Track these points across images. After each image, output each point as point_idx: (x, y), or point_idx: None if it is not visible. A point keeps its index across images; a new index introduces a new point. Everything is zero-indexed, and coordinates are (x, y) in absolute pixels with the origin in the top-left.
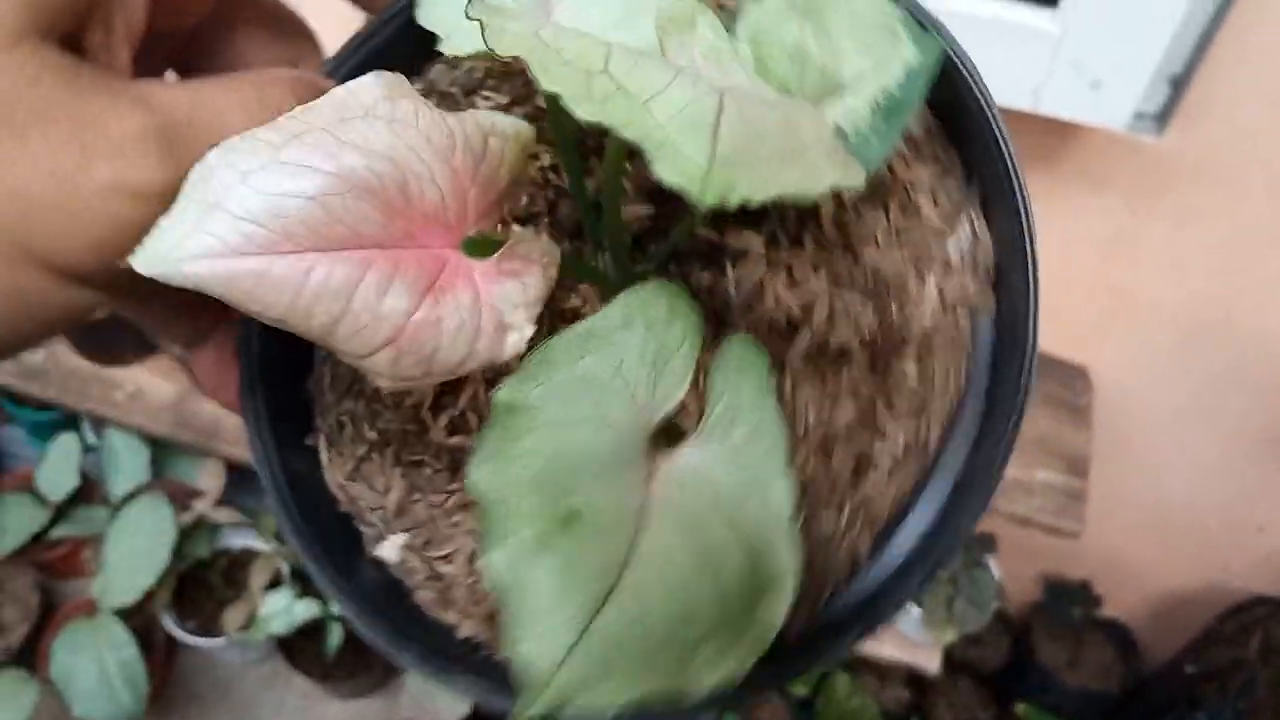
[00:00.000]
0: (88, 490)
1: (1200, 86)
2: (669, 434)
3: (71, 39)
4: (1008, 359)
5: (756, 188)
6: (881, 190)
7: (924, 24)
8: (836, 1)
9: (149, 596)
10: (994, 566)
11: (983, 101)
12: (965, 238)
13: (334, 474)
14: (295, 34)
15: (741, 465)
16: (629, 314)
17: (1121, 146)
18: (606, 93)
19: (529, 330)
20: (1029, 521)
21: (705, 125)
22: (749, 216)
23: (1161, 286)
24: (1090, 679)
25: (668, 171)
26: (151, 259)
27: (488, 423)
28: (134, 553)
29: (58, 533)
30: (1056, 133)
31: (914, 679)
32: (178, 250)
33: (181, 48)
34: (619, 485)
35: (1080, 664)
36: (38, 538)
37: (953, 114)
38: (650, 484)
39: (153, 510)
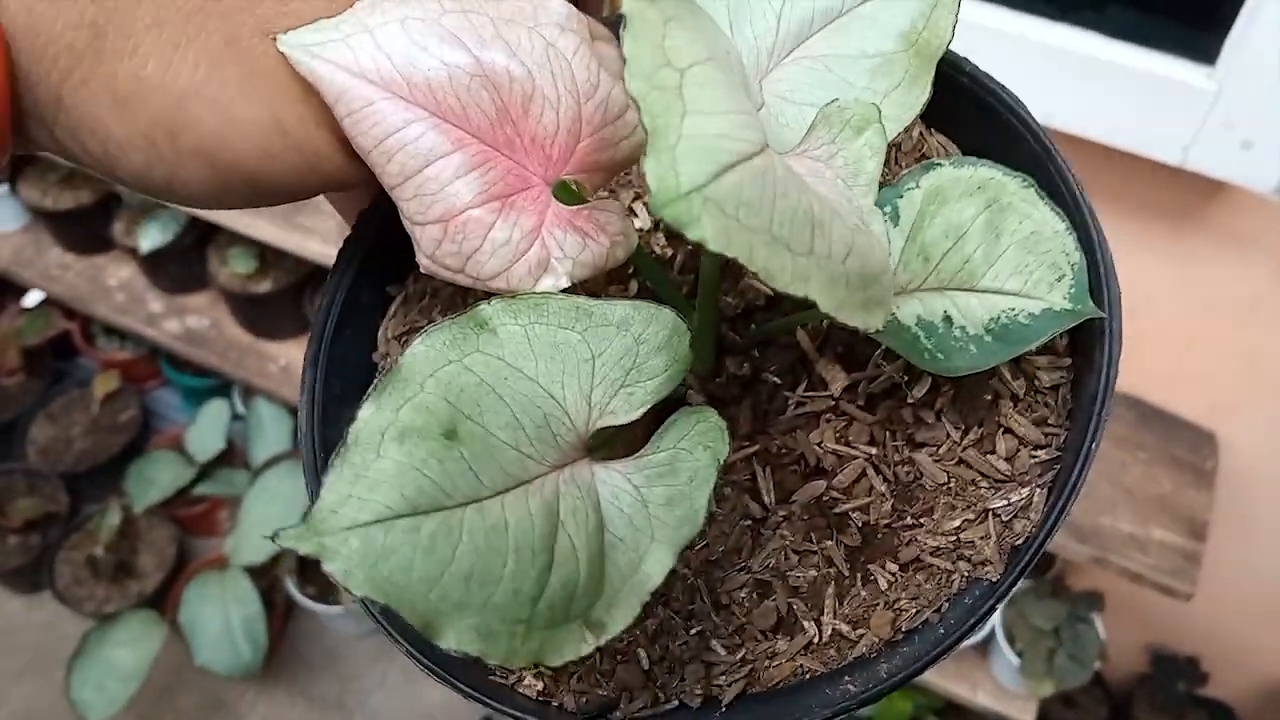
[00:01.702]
0: (231, 454)
1: None
2: (601, 444)
3: None
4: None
5: (719, 238)
6: (974, 409)
7: (1099, 285)
8: (1026, 216)
9: (276, 559)
10: (1100, 625)
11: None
12: (1017, 502)
13: (388, 328)
14: None
15: (640, 516)
16: (628, 320)
17: (1268, 210)
18: (663, 84)
19: (564, 282)
20: (1140, 578)
21: (716, 161)
22: (850, 357)
23: None
24: None
25: (650, 169)
26: (293, 41)
27: (459, 315)
28: (268, 516)
29: (200, 490)
30: (1203, 191)
31: None
32: (317, 47)
33: None
34: (524, 448)
35: None
36: (181, 493)
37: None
38: (557, 470)
39: (290, 477)
